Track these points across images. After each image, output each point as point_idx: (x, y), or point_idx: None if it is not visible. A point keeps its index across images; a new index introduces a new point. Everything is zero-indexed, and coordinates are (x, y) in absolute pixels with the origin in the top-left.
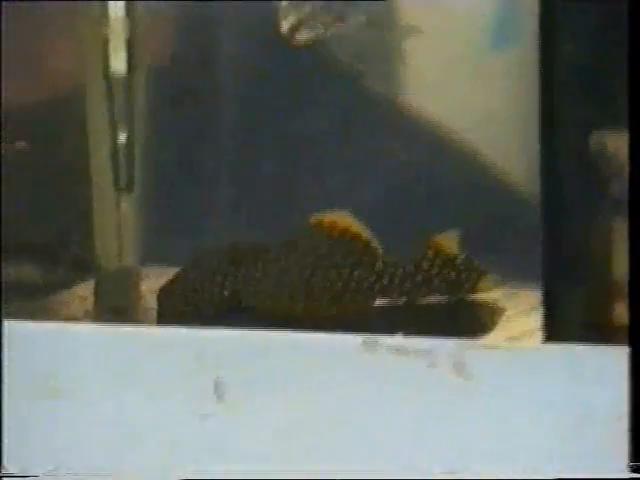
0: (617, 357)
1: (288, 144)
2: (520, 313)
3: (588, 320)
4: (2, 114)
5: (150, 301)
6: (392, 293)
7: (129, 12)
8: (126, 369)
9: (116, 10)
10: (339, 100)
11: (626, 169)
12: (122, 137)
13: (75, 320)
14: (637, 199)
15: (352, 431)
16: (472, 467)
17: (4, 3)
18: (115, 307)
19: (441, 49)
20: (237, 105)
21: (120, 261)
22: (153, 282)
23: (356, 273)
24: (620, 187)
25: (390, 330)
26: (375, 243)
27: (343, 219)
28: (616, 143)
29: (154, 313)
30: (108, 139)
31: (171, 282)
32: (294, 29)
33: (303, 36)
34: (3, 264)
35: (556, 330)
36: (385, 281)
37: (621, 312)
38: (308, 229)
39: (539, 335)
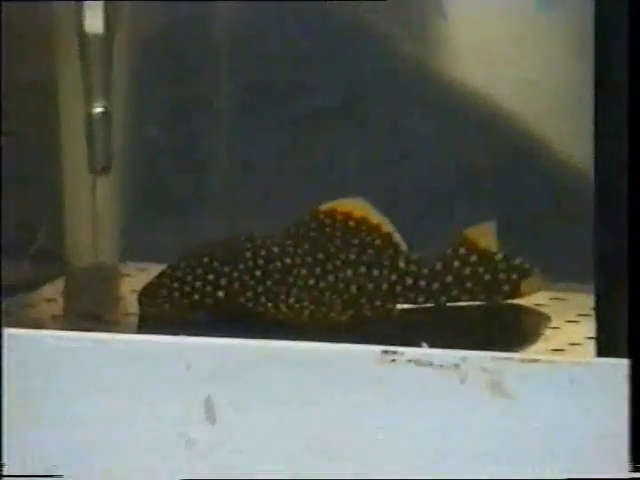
0: None
1: (294, 120)
2: (568, 321)
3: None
4: None
5: (130, 304)
6: (417, 296)
7: None
8: (100, 383)
9: None
10: (353, 69)
11: None
12: (98, 108)
13: (41, 326)
14: (637, 199)
15: (369, 456)
16: None
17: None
18: (88, 311)
19: (480, 10)
20: (236, 73)
21: (95, 257)
22: (134, 282)
23: (375, 272)
24: None
25: (414, 340)
26: (397, 237)
27: (360, 208)
28: None
29: (135, 319)
30: (82, 111)
31: (155, 282)
32: None
33: None
34: None
35: (611, 342)
36: (409, 282)
37: None
38: (318, 220)
39: (590, 347)
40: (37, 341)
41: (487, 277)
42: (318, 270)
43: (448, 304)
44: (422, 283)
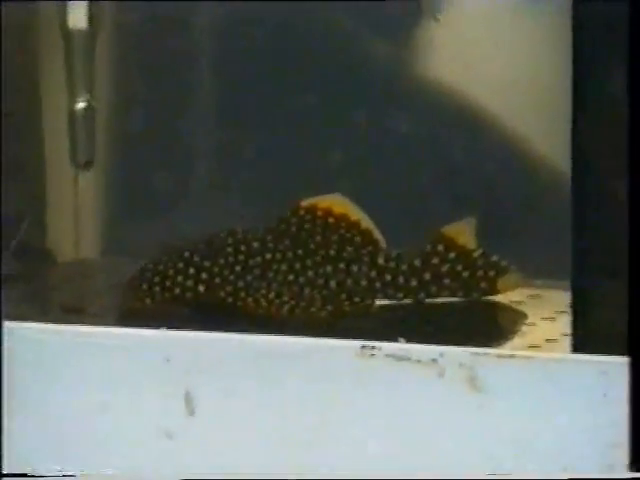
0: None
1: (276, 116)
2: (545, 318)
3: (624, 327)
4: None
5: (111, 298)
6: (395, 292)
7: None
8: (81, 376)
9: None
10: (334, 66)
11: None
12: (81, 102)
13: (23, 319)
14: (637, 198)
15: (347, 449)
16: None
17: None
18: (70, 305)
19: (460, 9)
20: (219, 69)
21: (77, 251)
22: (115, 276)
23: (354, 268)
24: None
25: (392, 335)
26: (377, 233)
27: (340, 204)
28: None
29: (116, 312)
30: (65, 105)
31: (136, 276)
32: None
33: None
34: None
35: (587, 338)
36: (388, 278)
37: None
38: (298, 215)
39: (566, 344)
40: (20, 334)
41: (465, 274)
42: (298, 265)
43: (426, 300)
44: (401, 279)
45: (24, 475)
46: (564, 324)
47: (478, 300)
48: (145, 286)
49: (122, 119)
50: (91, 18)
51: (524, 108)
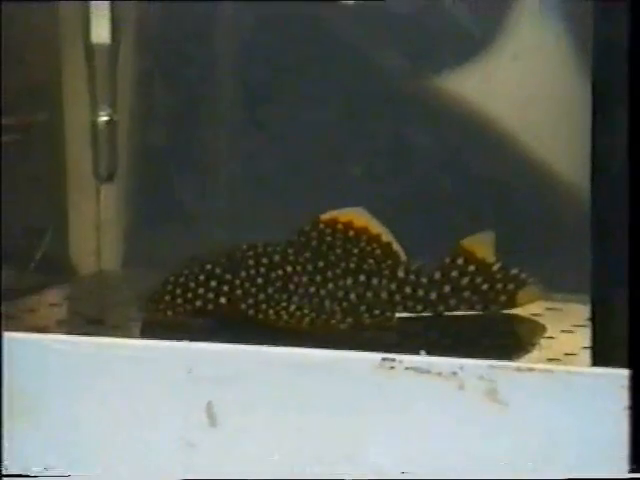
0: None
1: (297, 130)
2: (564, 331)
3: (627, 339)
4: None
5: (133, 310)
6: (415, 305)
7: None
8: (104, 387)
9: None
10: (354, 83)
11: None
12: (103, 116)
13: (45, 330)
14: (637, 198)
15: (367, 461)
16: None
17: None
18: (92, 316)
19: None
20: (239, 86)
21: (99, 262)
22: (137, 288)
23: (374, 281)
24: None
25: (412, 348)
26: (397, 246)
27: (360, 217)
28: None
29: (138, 324)
30: (87, 119)
31: (159, 288)
32: None
33: None
34: None
35: (607, 352)
36: (408, 291)
37: None
38: (319, 229)
39: (586, 357)
40: (42, 345)
41: (484, 287)
42: (318, 278)
43: (446, 313)
44: (421, 292)
45: (24, 475)
46: (583, 337)
47: (497, 313)
48: (167, 298)
49: (144, 132)
50: (113, 33)
51: (544, 122)
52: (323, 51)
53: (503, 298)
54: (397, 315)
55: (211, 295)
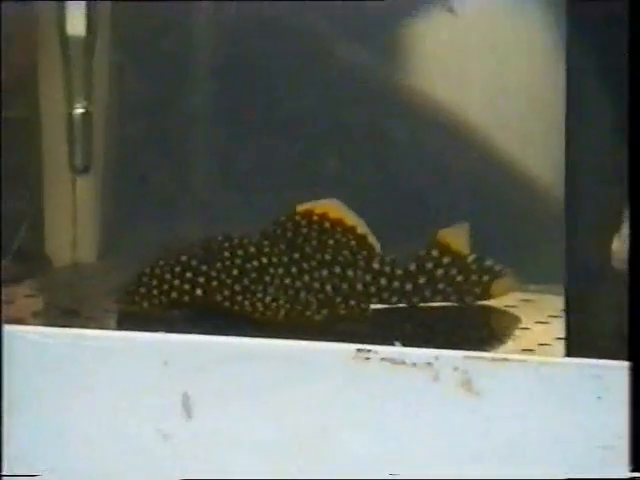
0: None
1: (273, 122)
2: (538, 322)
3: (617, 331)
4: None
5: (109, 302)
6: (390, 296)
7: None
8: (81, 379)
9: None
10: (331, 74)
11: None
12: (79, 107)
13: (21, 322)
14: (637, 198)
15: (342, 451)
16: None
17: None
18: (68, 308)
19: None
20: (217, 75)
21: (74, 254)
22: (113, 279)
23: (349, 272)
24: None
25: (387, 339)
26: (372, 238)
27: (335, 209)
28: None
29: (114, 315)
30: (63, 111)
31: (134, 280)
32: None
33: None
34: None
35: (580, 342)
36: (383, 282)
37: None
38: (294, 220)
39: (560, 347)
40: (19, 337)
41: (459, 278)
42: (294, 270)
43: (421, 304)
44: (396, 284)
45: (24, 476)
46: (557, 328)
47: (472, 304)
48: (143, 290)
49: (120, 124)
50: (89, 24)
51: (519, 115)
52: (300, 45)
53: (478, 290)
54: (372, 306)
55: (187, 287)
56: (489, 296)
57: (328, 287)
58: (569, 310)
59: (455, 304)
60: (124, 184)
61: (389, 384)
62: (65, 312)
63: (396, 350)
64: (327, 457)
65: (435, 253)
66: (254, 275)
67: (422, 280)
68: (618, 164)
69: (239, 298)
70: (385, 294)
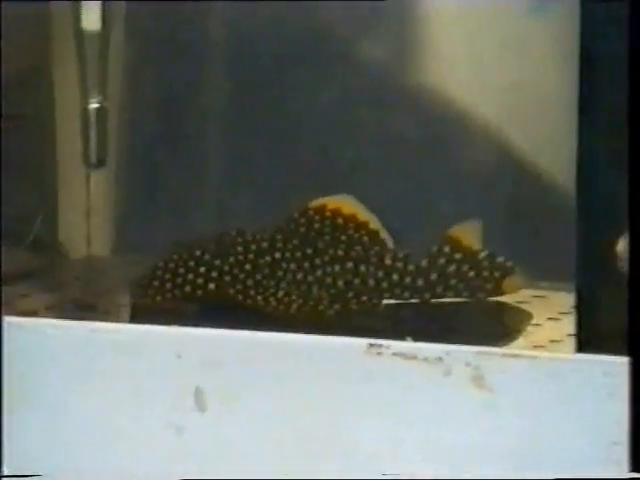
0: None
1: (287, 118)
2: (549, 318)
3: (627, 328)
4: None
5: (123, 295)
6: (402, 292)
7: None
8: (94, 371)
9: None
10: (345, 72)
11: None
12: (93, 102)
13: (35, 315)
14: (637, 198)
15: (355, 445)
16: None
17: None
18: (82, 301)
19: (466, 11)
20: (231, 71)
21: (88, 248)
22: (127, 273)
23: (362, 268)
24: None
25: (399, 334)
26: (384, 234)
27: (348, 205)
28: None
29: (127, 309)
30: (78, 106)
31: (148, 274)
32: None
33: None
34: None
35: (590, 339)
36: (395, 278)
37: None
38: (307, 215)
39: (570, 344)
40: (33, 329)
41: (471, 275)
42: (307, 265)
43: (433, 300)
44: (408, 280)
45: (24, 476)
46: (568, 325)
47: (484, 300)
48: (157, 284)
49: (134, 119)
50: (104, 19)
51: (531, 112)
52: (312, 43)
53: (489, 286)
54: (384, 302)
55: (200, 281)
56: (501, 292)
57: (340, 282)
58: (580, 307)
59: (467, 300)
60: (138, 179)
61: (400, 379)
62: (80, 306)
63: (408, 345)
64: (338, 450)
65: (447, 249)
66: (267, 270)
67: (434, 276)
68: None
69: (252, 292)
70: (397, 290)
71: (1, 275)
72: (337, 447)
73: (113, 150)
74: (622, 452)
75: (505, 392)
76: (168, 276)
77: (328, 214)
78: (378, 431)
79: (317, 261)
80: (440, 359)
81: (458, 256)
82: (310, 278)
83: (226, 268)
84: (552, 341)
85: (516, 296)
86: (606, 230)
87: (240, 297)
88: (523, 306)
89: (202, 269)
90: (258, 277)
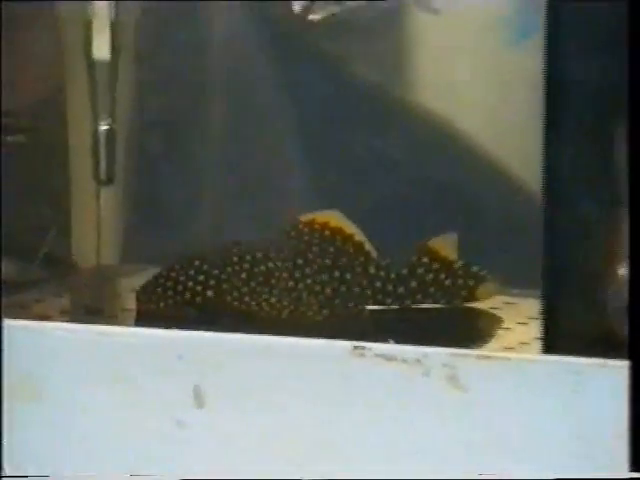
0: (618, 371)
1: (279, 138)
2: (519, 323)
3: (590, 331)
4: None
5: (129, 301)
6: (385, 298)
7: None
8: (102, 371)
9: None
10: (330, 93)
11: None
12: (103, 125)
13: (49, 319)
14: (637, 198)
15: (340, 440)
16: None
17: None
18: (91, 306)
19: (451, 36)
20: (228, 95)
21: (98, 258)
22: (133, 281)
23: (348, 276)
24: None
25: (381, 337)
26: (368, 245)
27: (335, 219)
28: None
29: (133, 314)
30: (89, 127)
31: (151, 281)
32: (307, 9)
33: (316, 15)
34: None
35: (556, 341)
36: (378, 285)
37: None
38: (298, 229)
39: (538, 346)
40: (44, 332)
41: (447, 283)
42: (297, 274)
43: (413, 306)
44: (390, 287)
45: (25, 477)
46: (536, 329)
47: (459, 306)
48: (160, 290)
49: (140, 139)
50: (113, 49)
51: (502, 130)
52: (305, 64)
53: (464, 293)
54: (368, 307)
55: (199, 288)
56: (475, 299)
57: (328, 289)
58: (546, 312)
59: (444, 306)
60: (144, 195)
61: (382, 378)
62: (89, 310)
63: (388, 347)
64: (324, 448)
65: (426, 259)
66: (261, 278)
67: (414, 284)
68: (596, 170)
69: (247, 299)
70: (380, 296)
71: (1, 278)
72: (323, 441)
73: (121, 168)
74: (587, 446)
75: (479, 391)
76: (170, 284)
77: (317, 227)
78: (361, 429)
79: (307, 270)
80: (418, 360)
81: (436, 266)
82: (300, 286)
83: (223, 277)
84: (521, 343)
85: (489, 302)
86: (569, 241)
87: (236, 303)
88: (495, 311)
89: (201, 277)
90: (253, 285)
